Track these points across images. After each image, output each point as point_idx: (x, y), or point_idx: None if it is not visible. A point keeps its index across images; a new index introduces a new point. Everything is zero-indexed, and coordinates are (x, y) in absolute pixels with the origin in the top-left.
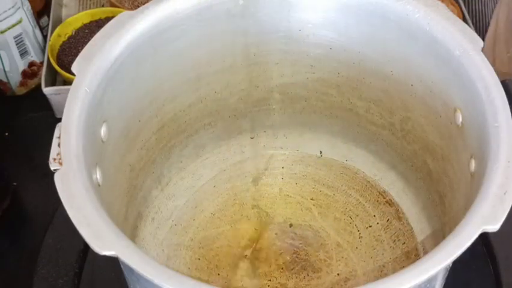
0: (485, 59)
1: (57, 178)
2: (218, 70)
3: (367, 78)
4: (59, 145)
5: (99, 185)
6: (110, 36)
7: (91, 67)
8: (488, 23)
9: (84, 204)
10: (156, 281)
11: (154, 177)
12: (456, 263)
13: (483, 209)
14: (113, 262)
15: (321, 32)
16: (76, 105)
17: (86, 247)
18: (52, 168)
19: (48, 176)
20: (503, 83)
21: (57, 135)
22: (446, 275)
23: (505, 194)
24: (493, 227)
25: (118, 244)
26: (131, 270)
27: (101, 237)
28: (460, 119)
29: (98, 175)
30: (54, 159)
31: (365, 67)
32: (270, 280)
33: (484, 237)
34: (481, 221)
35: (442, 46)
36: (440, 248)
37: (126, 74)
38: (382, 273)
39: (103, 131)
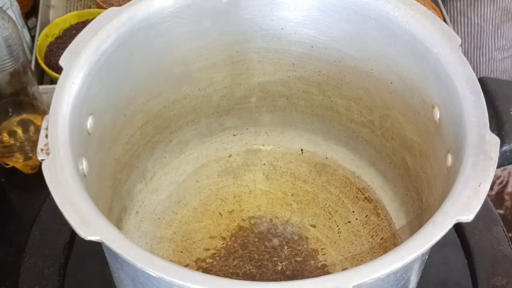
0: (463, 56)
1: (44, 167)
2: (202, 67)
3: (347, 77)
4: (46, 136)
5: (85, 175)
6: (97, 31)
7: (78, 61)
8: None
9: (70, 191)
10: (139, 265)
11: (138, 172)
12: (432, 259)
13: (458, 200)
14: (98, 253)
15: (303, 31)
16: (63, 97)
17: (72, 239)
18: (40, 158)
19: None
20: (480, 79)
21: (45, 127)
22: (422, 267)
23: (479, 186)
24: (467, 217)
25: (102, 229)
26: (115, 256)
27: (87, 222)
28: (438, 115)
29: (84, 166)
30: (42, 149)
31: (346, 65)
32: (250, 272)
33: (460, 234)
34: (455, 211)
35: (421, 44)
36: (416, 237)
37: (112, 69)
38: None
39: (89, 123)
